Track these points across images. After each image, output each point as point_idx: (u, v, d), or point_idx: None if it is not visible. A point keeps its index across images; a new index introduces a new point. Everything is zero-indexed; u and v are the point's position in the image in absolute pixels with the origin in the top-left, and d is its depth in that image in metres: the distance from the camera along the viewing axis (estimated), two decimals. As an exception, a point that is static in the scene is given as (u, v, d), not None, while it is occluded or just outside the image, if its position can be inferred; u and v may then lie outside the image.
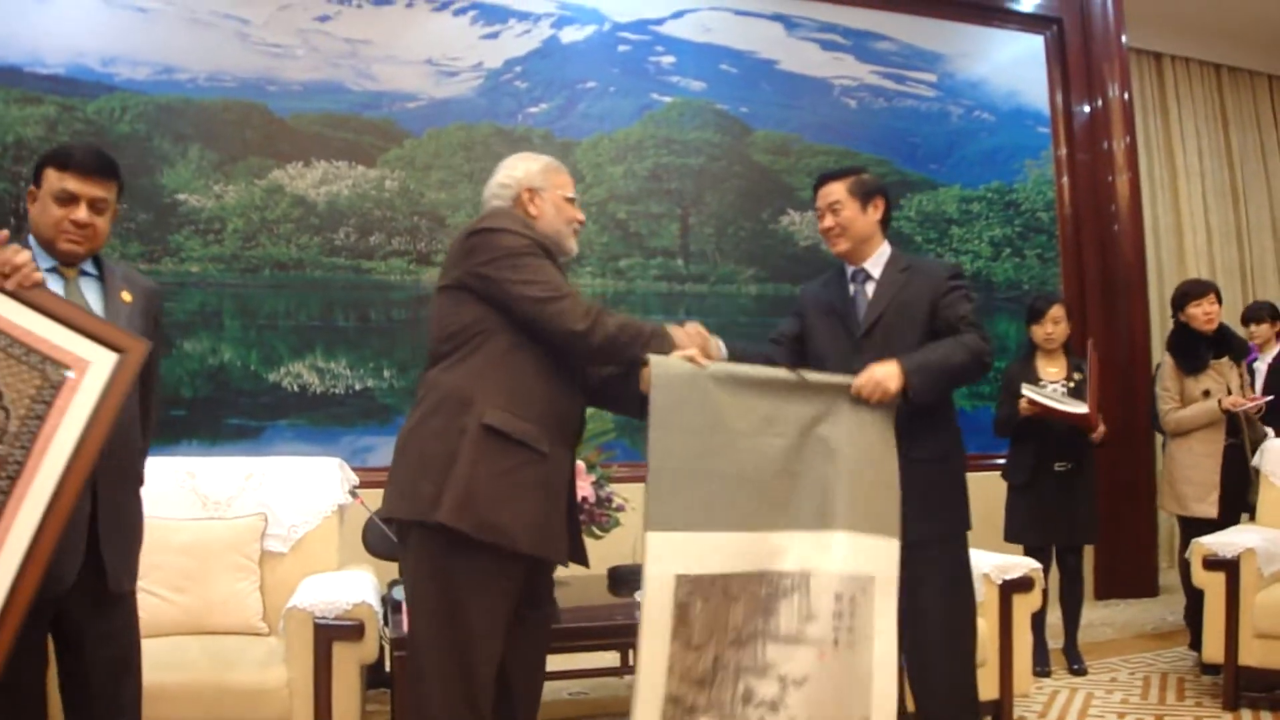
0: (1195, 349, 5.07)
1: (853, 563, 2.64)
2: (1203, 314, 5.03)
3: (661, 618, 2.48)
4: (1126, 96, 7.10)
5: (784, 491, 2.65)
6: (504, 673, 2.68)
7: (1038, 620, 4.71)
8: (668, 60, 6.20)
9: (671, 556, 2.50)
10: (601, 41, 6.10)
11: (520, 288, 2.58)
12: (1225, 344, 5.08)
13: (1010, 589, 3.87)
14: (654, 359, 2.60)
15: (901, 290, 3.16)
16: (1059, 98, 7.21)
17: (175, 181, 5.21)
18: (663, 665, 2.48)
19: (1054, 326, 4.90)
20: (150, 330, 2.74)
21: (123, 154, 5.06)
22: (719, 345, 2.89)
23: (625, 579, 4.04)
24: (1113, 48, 7.12)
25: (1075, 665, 4.91)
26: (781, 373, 2.77)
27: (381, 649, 3.52)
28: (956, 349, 3.01)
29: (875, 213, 3.21)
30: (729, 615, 2.55)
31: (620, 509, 3.96)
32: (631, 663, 4.22)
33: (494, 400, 2.56)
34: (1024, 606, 3.95)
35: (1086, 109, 7.14)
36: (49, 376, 2.03)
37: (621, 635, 3.69)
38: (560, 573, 3.01)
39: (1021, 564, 3.93)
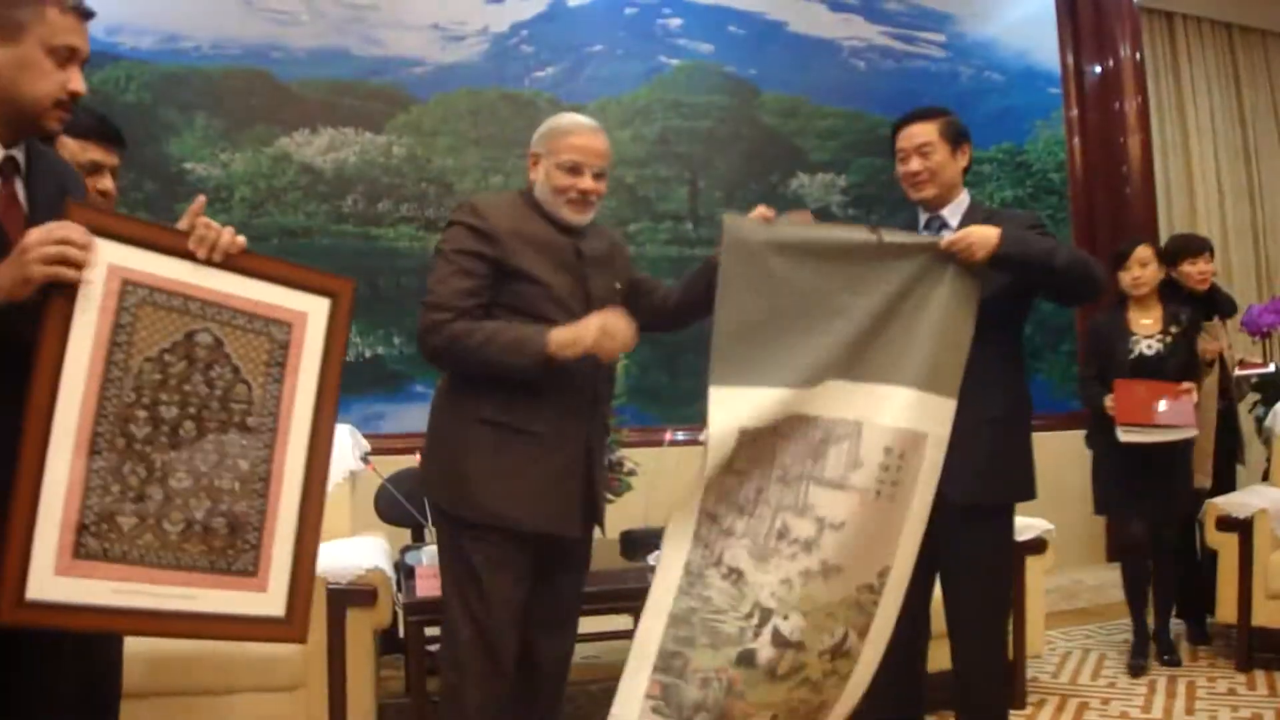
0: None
1: (910, 419, 2.58)
2: (1197, 273, 4.76)
3: (730, 444, 2.51)
4: (1138, 56, 7.04)
5: (851, 346, 2.59)
6: (529, 634, 2.71)
7: (1136, 599, 4.49)
8: (675, 23, 6.15)
9: (735, 410, 2.51)
10: (608, 4, 6.05)
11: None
12: (1213, 304, 4.82)
13: (1024, 550, 3.87)
14: (727, 220, 2.59)
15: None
16: (1070, 58, 7.15)
17: (182, 150, 5.19)
18: (703, 486, 2.50)
19: (1141, 269, 4.44)
20: None
21: (128, 124, 5.01)
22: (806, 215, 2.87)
23: (638, 543, 4.04)
24: (1124, 7, 7.06)
25: (1166, 656, 4.46)
26: (859, 234, 2.68)
27: (394, 615, 3.53)
28: (1064, 247, 2.85)
29: (963, 158, 3.03)
30: (777, 452, 2.53)
31: (632, 473, 3.96)
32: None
33: (484, 388, 2.61)
34: (1037, 568, 3.96)
35: (1098, 69, 7.08)
36: (275, 338, 2.04)
37: (634, 599, 3.69)
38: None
39: (1034, 525, 3.94)
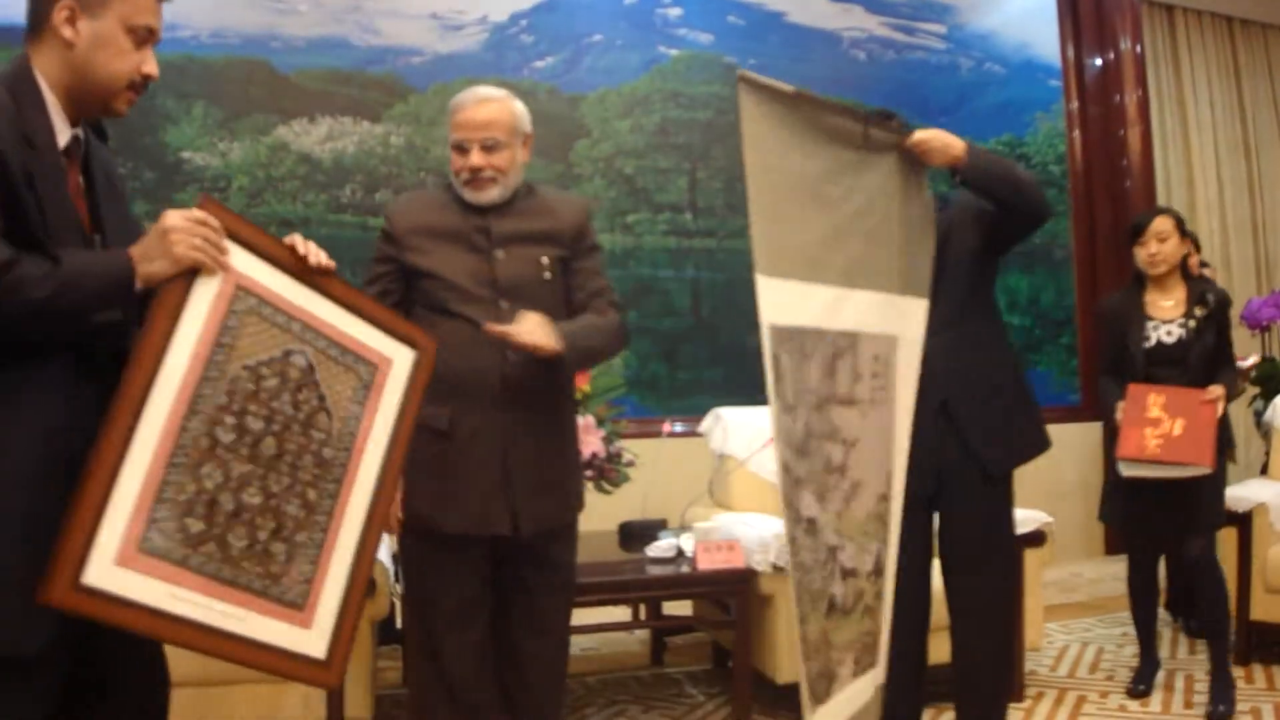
0: None
1: (886, 323, 2.58)
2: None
3: (770, 373, 2.33)
4: (1138, 49, 7.03)
5: (834, 245, 2.50)
6: (513, 641, 2.68)
7: (1145, 635, 4.06)
8: (674, 13, 6.13)
9: (766, 304, 2.35)
10: (608, -6, 6.03)
11: None
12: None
13: (1022, 543, 3.85)
14: (743, 77, 2.36)
15: (941, 225, 2.98)
16: (1070, 50, 7.14)
17: (180, 140, 5.17)
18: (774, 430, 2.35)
19: (1159, 245, 3.83)
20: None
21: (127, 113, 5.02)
22: None
23: (636, 534, 4.05)
24: (1124, 0, 7.04)
25: (1221, 707, 3.67)
26: (850, 122, 2.59)
27: (392, 605, 3.53)
28: (1020, 169, 2.93)
29: None
30: (806, 375, 2.41)
31: (630, 464, 3.95)
32: (643, 616, 4.26)
33: None
34: (1035, 561, 3.96)
35: (1098, 61, 7.07)
36: (361, 376, 2.06)
37: (632, 590, 3.69)
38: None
39: (1033, 518, 3.92)
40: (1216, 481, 3.78)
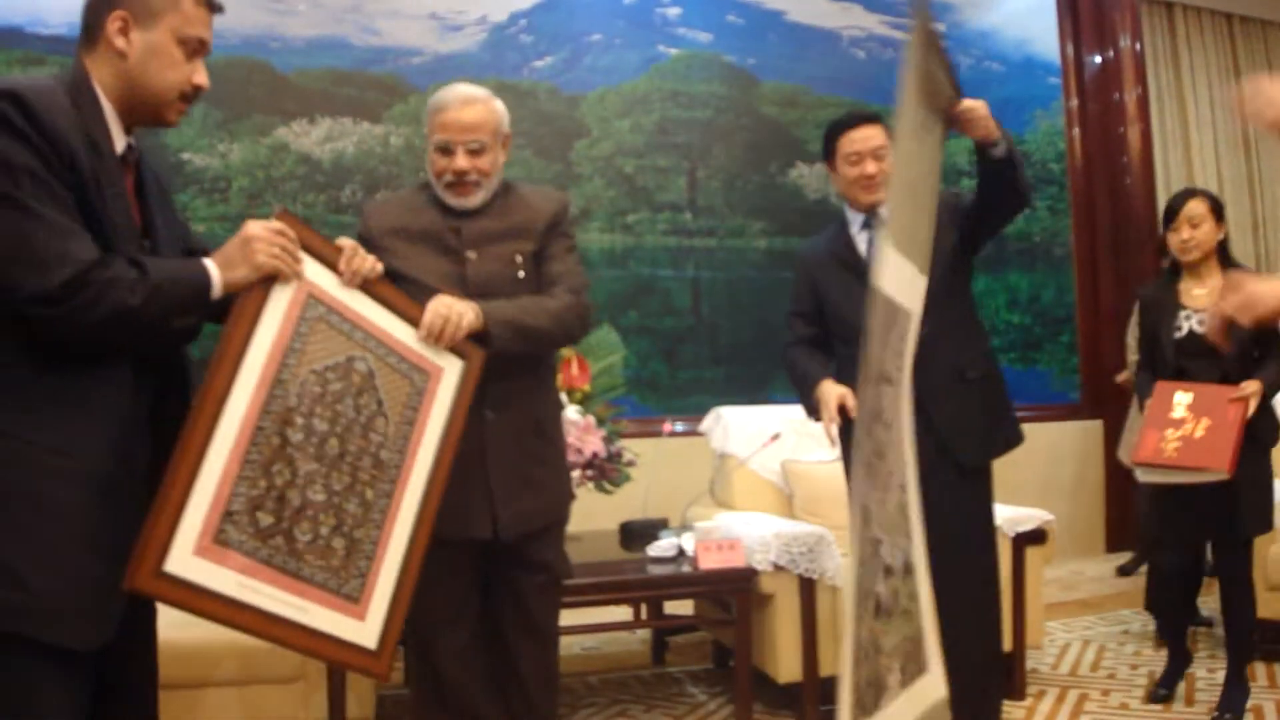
0: None
1: (912, 298, 2.39)
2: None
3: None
4: (1138, 47, 7.03)
5: (903, 211, 2.33)
6: (507, 643, 2.67)
7: (1174, 622, 3.92)
8: (674, 12, 6.13)
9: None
10: (607, -7, 6.04)
11: None
12: None
13: (1023, 541, 3.86)
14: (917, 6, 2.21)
15: None
16: (1070, 48, 7.14)
17: (180, 141, 5.17)
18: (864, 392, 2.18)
19: (1191, 230, 3.61)
20: None
21: (126, 112, 5.03)
22: None
23: (637, 534, 4.05)
24: (1124, -3, 7.05)
25: (1229, 715, 3.54)
26: (947, 82, 2.44)
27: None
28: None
29: None
30: (874, 345, 2.21)
31: (631, 464, 3.95)
32: (644, 616, 4.26)
33: None
34: (1036, 559, 3.96)
35: (1098, 59, 7.07)
36: (415, 383, 2.18)
37: (633, 590, 3.69)
38: (571, 528, 3.00)
39: (1034, 516, 3.92)
40: (1260, 484, 3.54)
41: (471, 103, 2.58)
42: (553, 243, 2.70)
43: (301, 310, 1.97)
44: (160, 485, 1.77)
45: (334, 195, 5.40)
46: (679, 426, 5.25)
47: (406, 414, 2.14)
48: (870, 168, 3.04)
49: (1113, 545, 6.63)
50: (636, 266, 5.90)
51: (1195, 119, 7.93)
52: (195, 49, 1.90)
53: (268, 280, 1.90)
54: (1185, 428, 3.42)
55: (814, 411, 3.06)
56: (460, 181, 2.57)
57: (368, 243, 2.50)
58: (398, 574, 2.09)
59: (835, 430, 2.97)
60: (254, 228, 1.90)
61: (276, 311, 1.92)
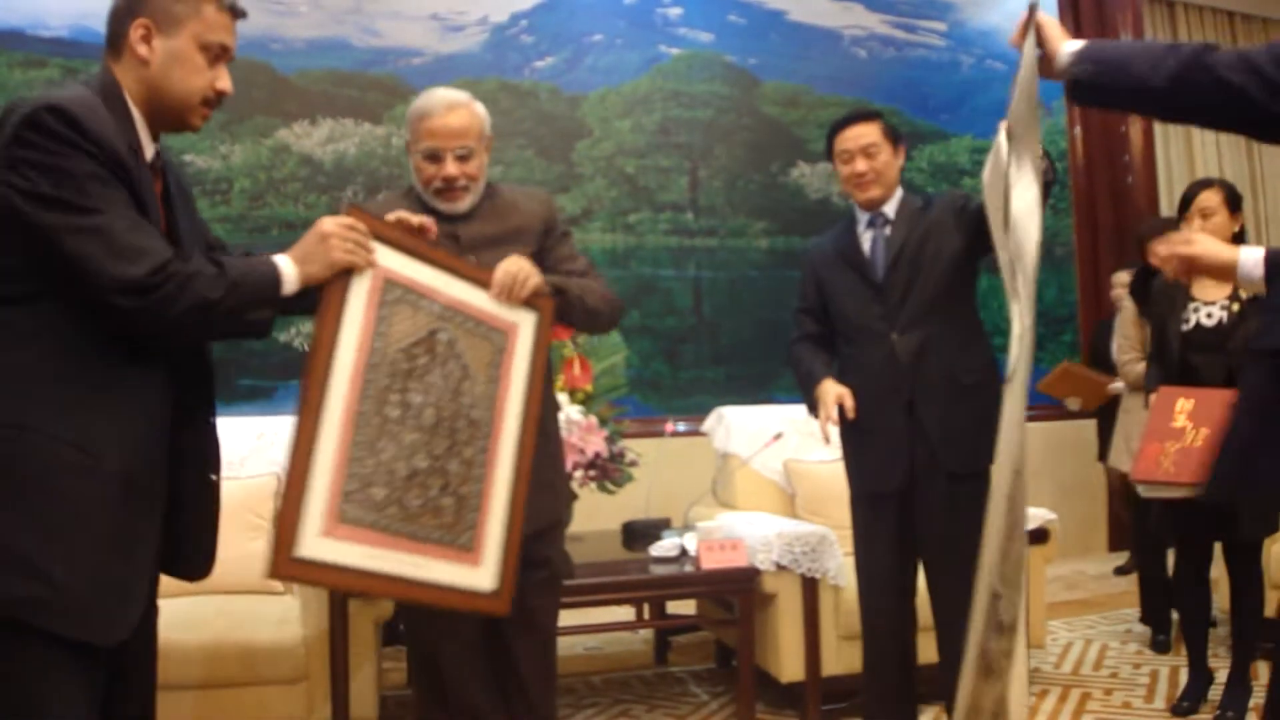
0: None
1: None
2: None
3: None
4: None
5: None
6: (504, 638, 2.66)
7: (1195, 637, 3.72)
8: (675, 12, 6.14)
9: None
10: (608, -7, 6.04)
11: None
12: None
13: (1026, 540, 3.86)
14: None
15: (923, 225, 3.03)
16: (1071, 46, 7.12)
17: (181, 142, 5.17)
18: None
19: (1203, 221, 3.46)
20: None
21: (128, 114, 5.03)
22: None
23: (639, 534, 4.05)
24: (1125, -6, 7.05)
25: (1231, 713, 3.47)
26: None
27: (397, 607, 3.53)
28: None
29: (901, 156, 3.11)
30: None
31: (633, 464, 3.95)
32: (647, 616, 4.26)
33: None
34: (1039, 558, 3.95)
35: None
36: (495, 343, 2.28)
37: (635, 590, 3.70)
38: (574, 528, 3.00)
39: (1037, 515, 3.91)
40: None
41: (455, 108, 2.56)
42: (557, 244, 2.72)
43: (381, 295, 2.06)
44: (197, 484, 1.93)
45: (335, 196, 5.40)
46: (681, 426, 5.25)
47: (491, 373, 2.25)
48: (860, 165, 3.02)
49: (1114, 544, 6.63)
50: (638, 266, 5.90)
51: (1197, 117, 7.92)
52: (218, 54, 1.91)
53: (346, 273, 2.00)
54: (1185, 438, 3.28)
55: (814, 408, 3.07)
56: (450, 188, 2.56)
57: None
58: (505, 521, 2.21)
59: (831, 429, 2.97)
60: (328, 224, 1.97)
61: (359, 301, 2.03)
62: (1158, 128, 7.29)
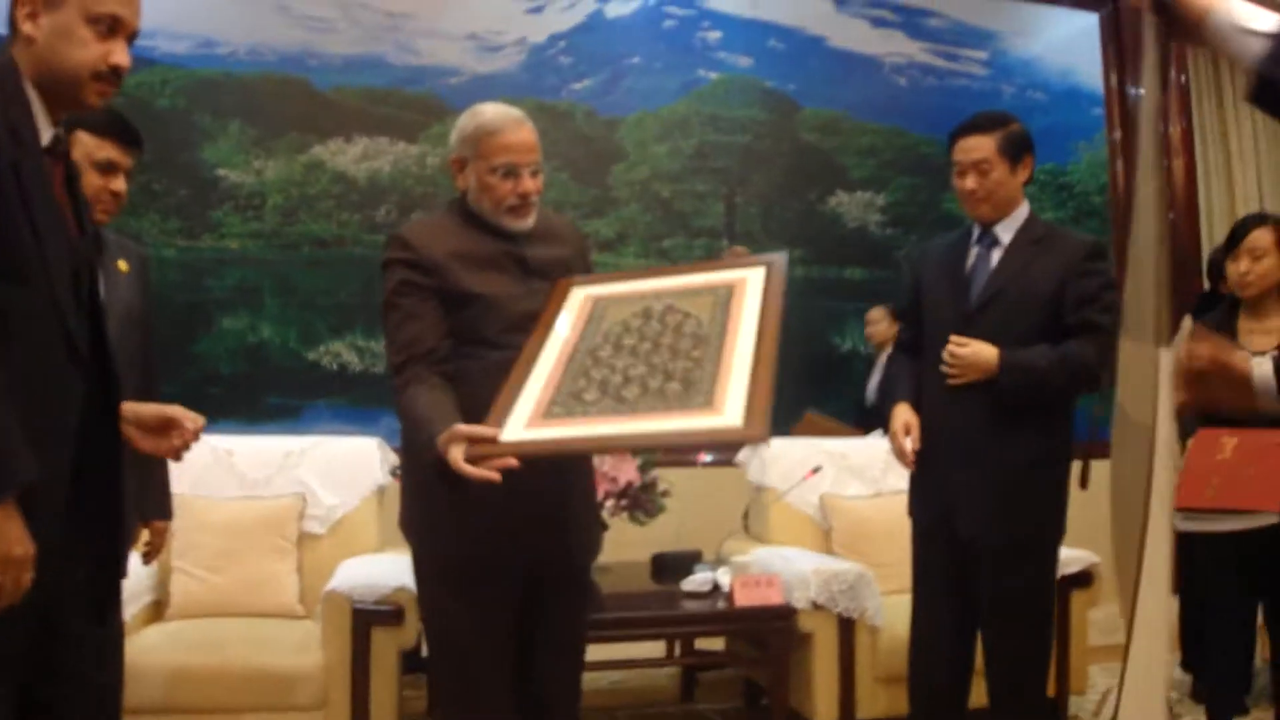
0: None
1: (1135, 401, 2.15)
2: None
3: None
4: (1183, 79, 6.92)
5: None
6: (533, 662, 2.57)
7: (1224, 692, 3.50)
8: (714, 36, 6.07)
9: None
10: (647, 16, 5.97)
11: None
12: None
13: (1068, 585, 3.76)
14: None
15: (1029, 264, 2.85)
16: (1114, 79, 7.03)
17: (215, 157, 5.14)
18: None
19: (1252, 264, 3.26)
20: (146, 298, 2.77)
21: (163, 129, 5.01)
22: None
23: (670, 566, 3.96)
24: (1170, 28, 6.93)
25: None
26: None
27: (419, 634, 3.45)
28: (1060, 369, 2.78)
29: (1024, 172, 2.92)
30: None
31: (665, 494, 3.86)
32: (679, 653, 4.17)
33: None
34: (1081, 603, 3.85)
35: (1142, 91, 6.95)
36: (719, 295, 2.33)
37: (663, 625, 3.60)
38: (603, 558, 2.92)
39: (1080, 558, 3.82)
40: None
41: (523, 122, 2.50)
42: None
43: (592, 306, 2.36)
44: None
45: (369, 215, 5.35)
46: (710, 457, 5.16)
47: (717, 312, 2.27)
48: (970, 182, 2.87)
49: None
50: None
51: (1239, 152, 7.80)
52: (111, 27, 1.81)
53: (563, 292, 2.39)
54: (1229, 471, 3.13)
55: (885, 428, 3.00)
56: (525, 204, 2.48)
57: (427, 268, 2.40)
58: (749, 375, 2.09)
59: (909, 449, 2.85)
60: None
61: (571, 311, 2.37)
62: (1199, 162, 7.19)
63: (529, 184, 2.46)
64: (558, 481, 2.46)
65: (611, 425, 2.07)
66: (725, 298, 2.30)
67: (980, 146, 2.87)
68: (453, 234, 2.48)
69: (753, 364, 2.11)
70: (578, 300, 2.32)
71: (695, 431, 2.06)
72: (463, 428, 2.11)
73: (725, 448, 2.09)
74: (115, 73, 1.83)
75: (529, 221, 2.50)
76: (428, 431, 2.17)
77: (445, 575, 2.46)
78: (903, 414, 2.89)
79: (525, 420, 2.10)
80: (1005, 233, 2.91)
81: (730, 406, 2.04)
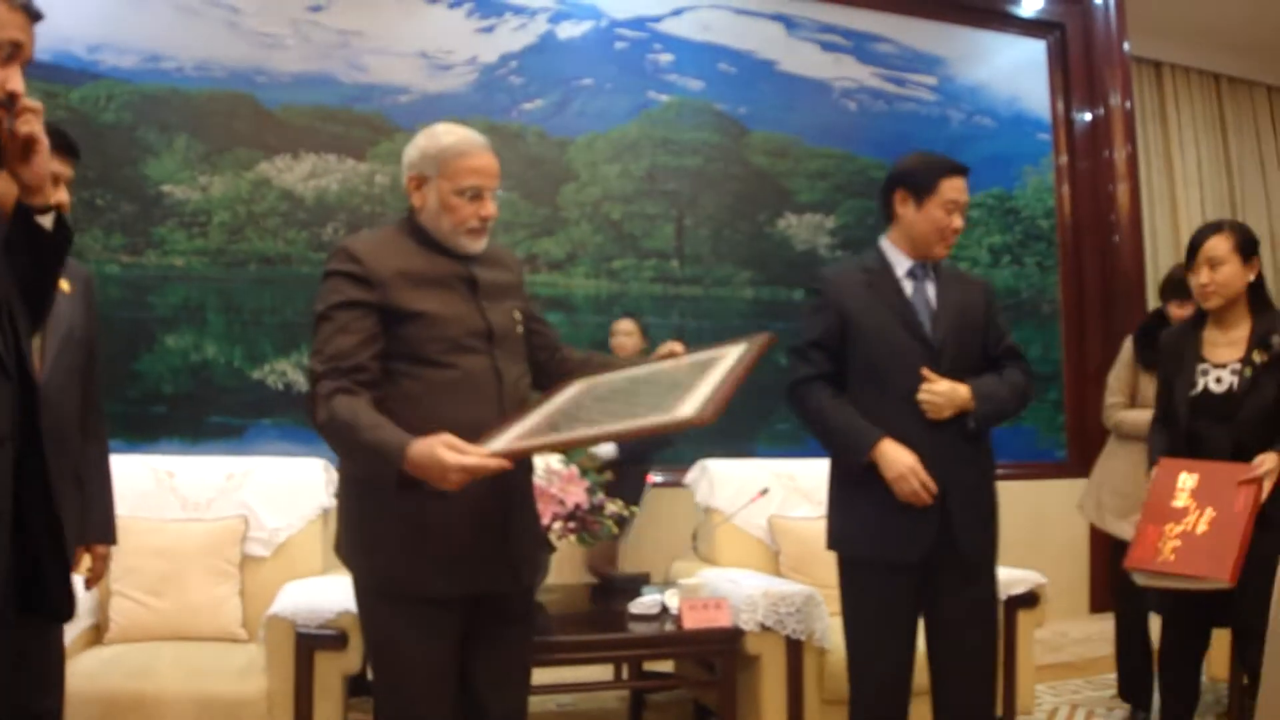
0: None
1: None
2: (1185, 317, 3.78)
3: None
4: (1128, 105, 7.03)
5: None
6: (477, 693, 2.53)
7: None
8: (665, 58, 6.09)
9: None
10: (599, 38, 5.99)
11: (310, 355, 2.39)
12: None
13: (1015, 605, 3.77)
14: None
15: (962, 297, 2.97)
16: (1060, 104, 7.13)
17: (160, 173, 5.08)
18: None
19: (1211, 273, 3.20)
20: (90, 319, 2.70)
21: (107, 144, 4.95)
22: None
23: (617, 589, 3.93)
24: (1114, 55, 7.05)
25: None
26: None
27: (365, 658, 3.40)
28: (1014, 396, 2.96)
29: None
30: None
31: (613, 516, 3.83)
32: (625, 676, 4.13)
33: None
34: (1028, 623, 3.86)
35: (1088, 116, 7.06)
36: (701, 362, 2.43)
37: (610, 649, 3.58)
38: (550, 581, 2.90)
39: (1026, 579, 3.83)
40: (1268, 572, 2.82)
41: (489, 148, 2.49)
42: (535, 307, 2.73)
43: (586, 385, 2.53)
44: None
45: (316, 233, 5.31)
46: (661, 478, 5.15)
47: (695, 371, 2.36)
48: (959, 221, 2.92)
49: (1096, 605, 6.54)
50: (622, 313, 5.82)
51: (1183, 177, 7.95)
52: (9, 54, 1.75)
53: None
54: (1187, 520, 3.05)
55: (851, 458, 2.89)
56: (483, 227, 2.47)
57: (371, 283, 2.36)
58: (710, 390, 2.20)
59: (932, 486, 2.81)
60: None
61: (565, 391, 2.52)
62: (1143, 187, 7.29)
63: (491, 208, 2.45)
64: (501, 502, 2.43)
65: (578, 432, 2.21)
66: (706, 363, 2.40)
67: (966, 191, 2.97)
68: (401, 251, 2.44)
69: (716, 383, 2.23)
70: (573, 387, 2.48)
71: (651, 424, 2.17)
72: (450, 437, 2.10)
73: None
74: (12, 99, 1.77)
75: (483, 244, 2.49)
76: (393, 438, 2.15)
77: (387, 595, 2.41)
78: (902, 453, 2.80)
79: (506, 442, 2.19)
80: (927, 267, 2.98)
81: (690, 404, 2.13)
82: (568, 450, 2.69)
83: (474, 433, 2.21)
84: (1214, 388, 3.20)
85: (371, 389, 2.31)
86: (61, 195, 2.46)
